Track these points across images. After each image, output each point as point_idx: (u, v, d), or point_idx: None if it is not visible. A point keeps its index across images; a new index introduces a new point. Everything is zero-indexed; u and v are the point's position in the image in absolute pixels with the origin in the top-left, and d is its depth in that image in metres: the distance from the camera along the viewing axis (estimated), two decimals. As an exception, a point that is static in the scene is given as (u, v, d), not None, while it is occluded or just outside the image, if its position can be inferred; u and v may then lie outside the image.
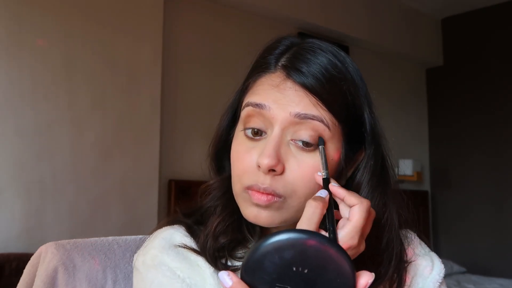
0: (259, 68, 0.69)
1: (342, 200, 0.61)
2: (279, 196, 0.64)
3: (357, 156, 0.71)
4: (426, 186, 4.43)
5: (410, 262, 0.74)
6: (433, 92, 4.51)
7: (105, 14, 2.56)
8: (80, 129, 2.43)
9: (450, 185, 4.31)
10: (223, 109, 0.77)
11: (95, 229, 2.42)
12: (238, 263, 0.68)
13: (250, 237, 0.72)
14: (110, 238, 0.88)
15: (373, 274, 0.52)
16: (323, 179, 0.63)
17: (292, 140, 0.65)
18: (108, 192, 2.50)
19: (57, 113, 2.37)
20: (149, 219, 2.61)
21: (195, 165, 2.85)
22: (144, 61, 2.69)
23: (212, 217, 0.72)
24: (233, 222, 0.71)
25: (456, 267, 3.77)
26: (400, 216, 0.72)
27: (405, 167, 3.92)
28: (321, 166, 0.64)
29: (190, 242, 0.70)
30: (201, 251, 0.69)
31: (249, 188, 0.65)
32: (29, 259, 0.83)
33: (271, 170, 0.63)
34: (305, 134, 0.64)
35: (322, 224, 0.57)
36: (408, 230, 0.78)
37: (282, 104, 0.65)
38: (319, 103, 0.64)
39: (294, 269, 0.50)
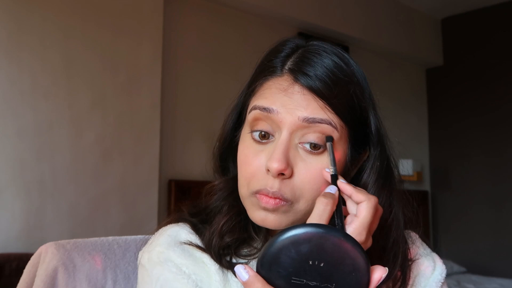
0: (266, 71, 0.70)
1: (350, 196, 0.62)
2: (286, 200, 0.65)
3: (361, 156, 0.71)
4: (426, 186, 4.43)
5: (414, 260, 0.75)
6: (433, 92, 4.50)
7: (105, 14, 2.56)
8: (80, 129, 2.43)
9: (450, 185, 4.31)
10: (225, 110, 0.77)
11: (95, 229, 2.42)
12: (242, 261, 0.70)
13: (255, 236, 0.72)
14: (110, 238, 0.88)
15: (386, 268, 0.53)
16: (331, 175, 0.63)
17: (300, 143, 0.66)
18: (108, 192, 2.50)
19: (57, 113, 2.37)
20: (149, 219, 2.61)
21: (195, 165, 2.87)
22: (144, 61, 2.69)
23: (219, 216, 0.72)
24: (240, 221, 0.71)
25: (456, 267, 3.77)
26: (404, 215, 0.73)
27: (405, 167, 3.92)
28: (329, 163, 0.64)
29: (195, 239, 0.71)
30: (206, 249, 0.69)
31: (257, 192, 0.66)
32: (29, 259, 0.83)
33: (280, 174, 0.64)
34: (313, 136, 0.65)
35: (331, 220, 0.58)
36: (410, 231, 0.78)
37: (290, 109, 0.65)
38: (327, 107, 0.65)
39: (310, 263, 0.51)
